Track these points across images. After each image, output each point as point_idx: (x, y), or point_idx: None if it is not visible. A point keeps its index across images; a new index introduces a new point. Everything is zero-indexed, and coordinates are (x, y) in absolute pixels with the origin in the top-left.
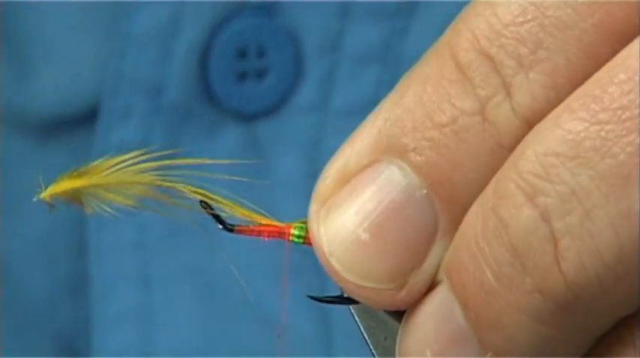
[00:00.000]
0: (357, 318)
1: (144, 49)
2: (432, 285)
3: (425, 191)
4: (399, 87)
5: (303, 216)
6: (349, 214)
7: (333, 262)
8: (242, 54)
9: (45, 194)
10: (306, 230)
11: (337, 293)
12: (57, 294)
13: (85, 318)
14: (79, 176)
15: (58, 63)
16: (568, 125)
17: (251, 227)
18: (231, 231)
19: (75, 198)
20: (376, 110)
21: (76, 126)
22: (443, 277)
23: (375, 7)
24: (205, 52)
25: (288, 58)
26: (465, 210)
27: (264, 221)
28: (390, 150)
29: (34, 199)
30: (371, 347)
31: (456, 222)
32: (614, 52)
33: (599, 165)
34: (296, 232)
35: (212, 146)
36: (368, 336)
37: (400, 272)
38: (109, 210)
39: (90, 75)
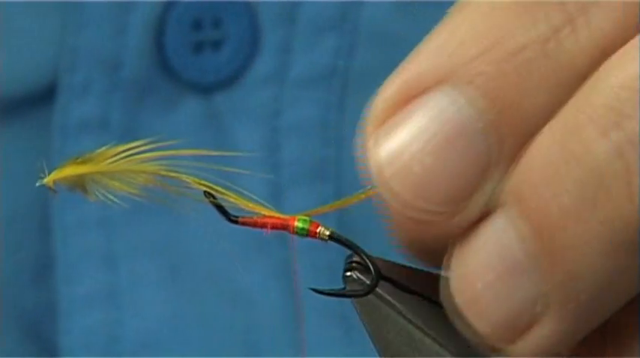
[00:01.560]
0: (359, 312)
1: (99, 24)
2: (482, 216)
3: (485, 118)
4: (458, 7)
5: (262, 188)
6: (405, 139)
7: (391, 186)
8: (197, 25)
9: (48, 179)
10: (310, 222)
11: (339, 286)
12: (22, 277)
13: (51, 301)
14: (83, 163)
15: (13, 42)
16: None
17: (254, 219)
18: (235, 222)
19: (78, 184)
20: (439, 28)
21: (36, 105)
22: (504, 201)
23: None
24: (161, 25)
25: (244, 28)
26: (526, 140)
27: (267, 213)
28: (452, 76)
29: (37, 184)
30: (374, 341)
31: (515, 152)
32: None
33: None
34: (300, 224)
35: (171, 119)
36: (371, 330)
37: (455, 198)
38: (112, 197)
39: (46, 53)
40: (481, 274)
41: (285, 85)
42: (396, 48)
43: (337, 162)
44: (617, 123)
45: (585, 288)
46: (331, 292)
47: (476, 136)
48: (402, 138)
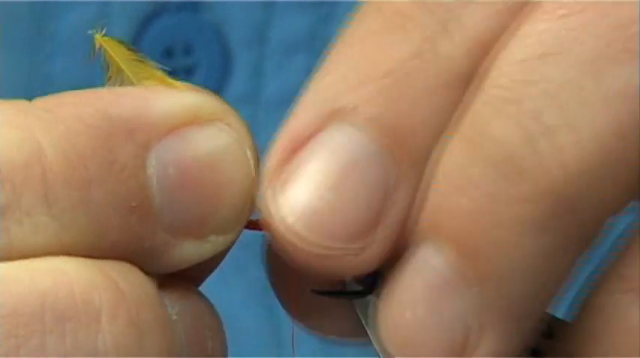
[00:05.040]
0: (359, 312)
1: (72, 52)
2: (398, 247)
3: (377, 142)
4: (332, 52)
5: None
6: (303, 184)
7: (296, 230)
8: (169, 53)
9: (100, 39)
10: None
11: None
12: None
13: None
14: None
15: None
16: (534, 27)
17: None
18: None
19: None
20: (314, 78)
21: None
22: (425, 234)
23: None
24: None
25: (215, 54)
26: (425, 155)
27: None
28: (333, 114)
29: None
30: (373, 341)
31: (417, 170)
32: None
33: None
34: None
35: None
36: (371, 330)
37: (363, 231)
38: None
39: (18, 84)
40: (415, 310)
41: (259, 107)
42: None
43: None
44: (520, 97)
45: (517, 289)
46: (331, 292)
47: (370, 162)
48: (300, 182)
